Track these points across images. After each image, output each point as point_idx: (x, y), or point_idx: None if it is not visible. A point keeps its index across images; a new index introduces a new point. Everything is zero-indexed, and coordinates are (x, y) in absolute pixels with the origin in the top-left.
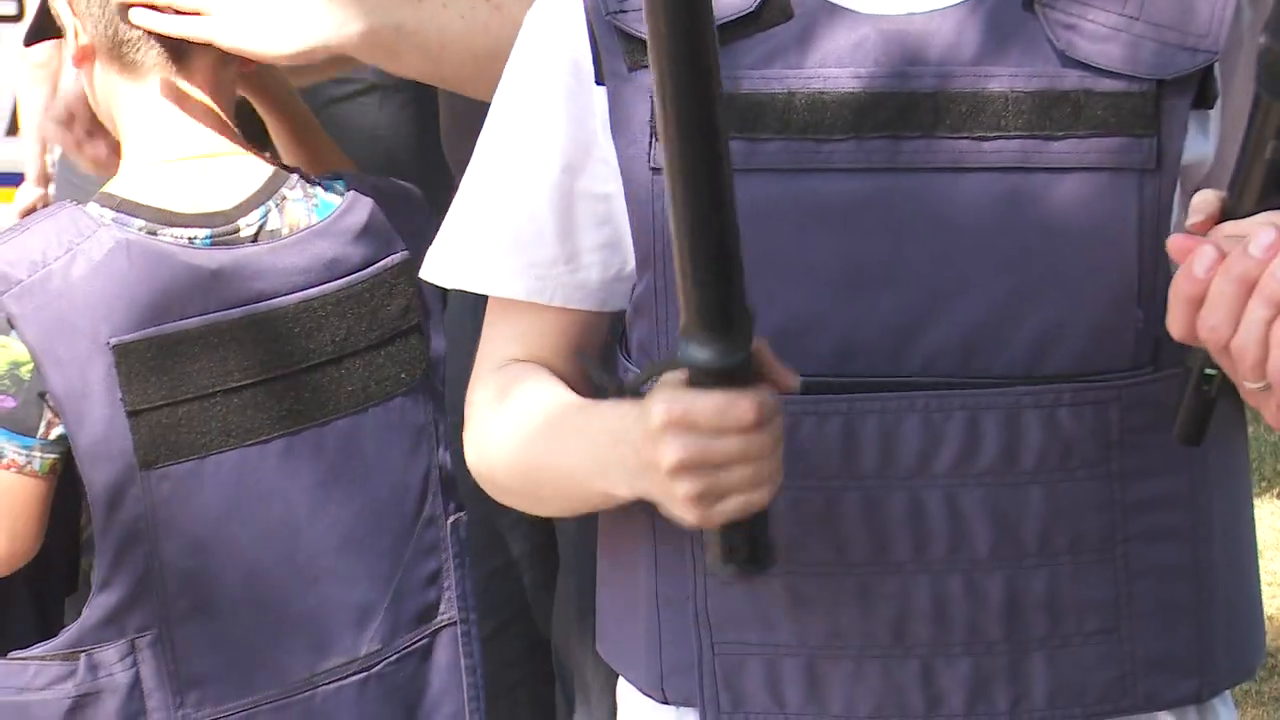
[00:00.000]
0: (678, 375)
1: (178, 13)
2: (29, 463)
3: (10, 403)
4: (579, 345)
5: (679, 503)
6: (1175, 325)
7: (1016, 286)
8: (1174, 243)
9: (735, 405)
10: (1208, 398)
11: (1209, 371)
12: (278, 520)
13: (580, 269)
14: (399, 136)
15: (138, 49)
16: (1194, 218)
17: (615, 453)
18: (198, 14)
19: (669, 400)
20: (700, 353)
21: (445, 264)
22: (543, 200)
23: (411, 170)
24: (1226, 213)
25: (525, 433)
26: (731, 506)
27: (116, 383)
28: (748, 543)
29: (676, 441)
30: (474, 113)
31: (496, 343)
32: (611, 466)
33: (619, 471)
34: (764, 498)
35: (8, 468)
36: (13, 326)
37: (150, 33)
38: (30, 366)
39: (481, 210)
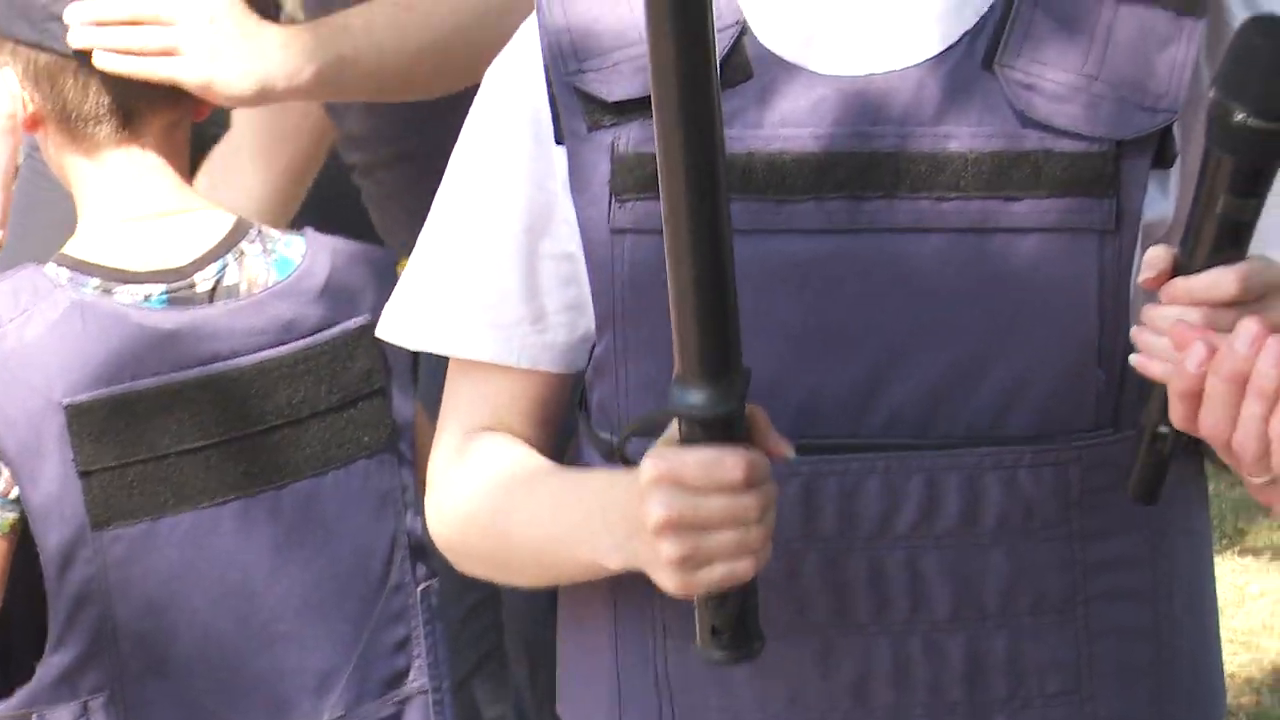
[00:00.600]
0: (673, 433)
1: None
2: None
3: None
4: (545, 407)
5: (662, 565)
6: (1178, 419)
7: (977, 348)
8: (1153, 317)
9: (723, 461)
10: (1161, 457)
11: (1161, 430)
12: (234, 583)
13: (547, 330)
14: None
15: (88, 123)
16: (1146, 274)
17: (604, 520)
18: (166, 54)
19: (658, 456)
20: (692, 397)
21: (406, 324)
22: (506, 260)
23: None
24: (1179, 268)
25: (498, 502)
26: (714, 575)
27: (69, 443)
28: (732, 623)
29: (663, 497)
30: (407, 210)
31: (460, 405)
32: (600, 535)
33: (608, 539)
34: (748, 569)
35: None
36: None
37: (100, 105)
38: None
39: (443, 270)
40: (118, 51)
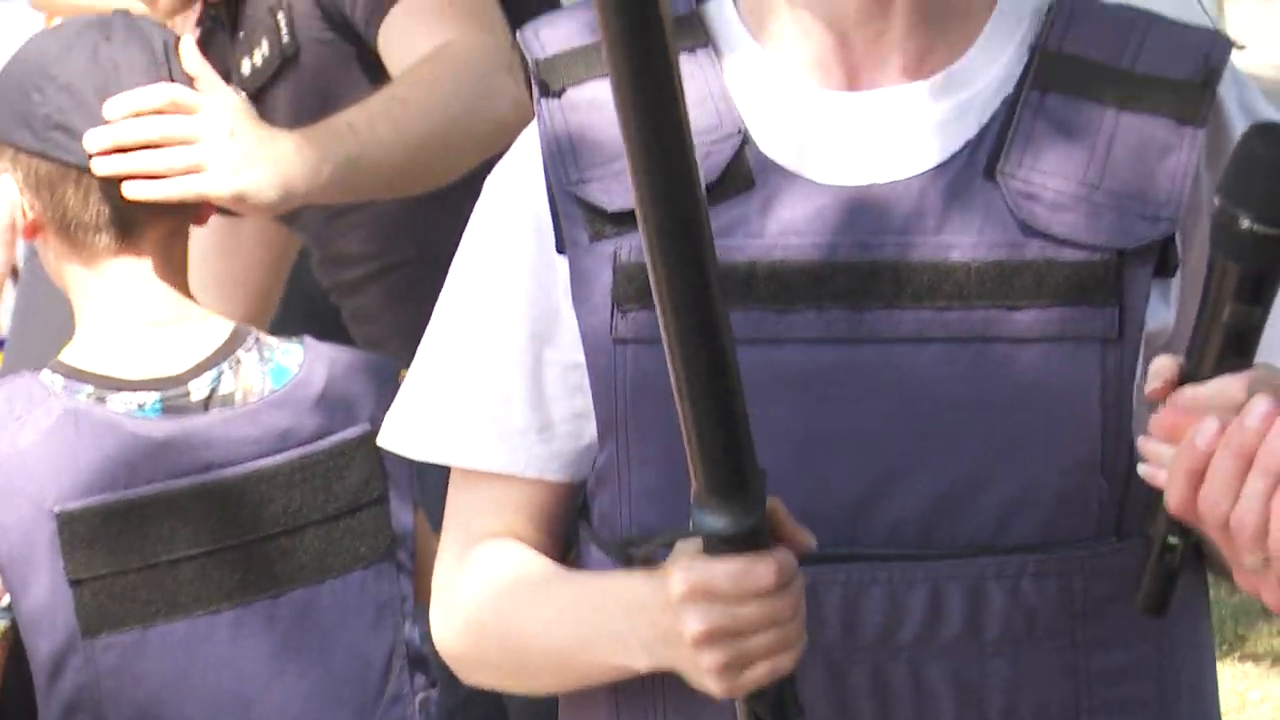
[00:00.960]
0: (694, 543)
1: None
2: None
3: None
4: (551, 516)
5: (705, 674)
6: (1175, 500)
7: (979, 458)
8: (1160, 421)
9: (753, 570)
10: (1170, 568)
11: (1171, 541)
12: (228, 692)
13: (554, 439)
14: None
15: (87, 233)
16: (1152, 383)
17: (631, 624)
18: (191, 171)
19: (687, 569)
20: (714, 520)
21: (409, 434)
22: (512, 368)
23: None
24: (1184, 377)
25: (509, 609)
26: (758, 674)
27: (60, 551)
28: (773, 712)
29: (699, 612)
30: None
31: (464, 515)
32: (627, 638)
33: (637, 643)
34: (789, 662)
35: None
36: None
37: (100, 215)
38: None
39: (446, 378)
40: (146, 176)
